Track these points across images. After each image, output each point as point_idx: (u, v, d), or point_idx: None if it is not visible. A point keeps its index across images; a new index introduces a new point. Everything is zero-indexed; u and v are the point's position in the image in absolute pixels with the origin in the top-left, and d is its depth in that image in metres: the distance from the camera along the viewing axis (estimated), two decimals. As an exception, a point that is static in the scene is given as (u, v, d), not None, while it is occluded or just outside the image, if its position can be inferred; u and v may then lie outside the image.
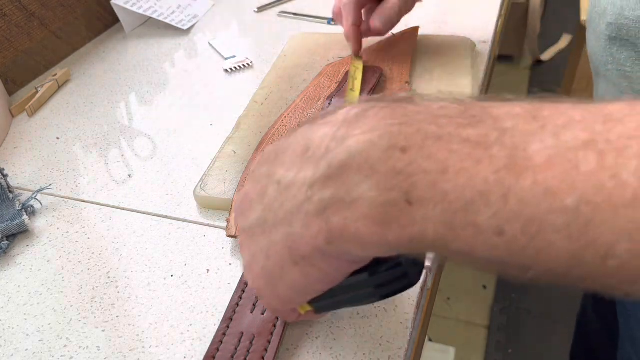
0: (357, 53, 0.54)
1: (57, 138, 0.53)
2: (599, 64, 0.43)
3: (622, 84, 0.42)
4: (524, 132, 0.18)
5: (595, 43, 0.43)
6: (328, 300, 0.26)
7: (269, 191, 0.24)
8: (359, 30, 0.53)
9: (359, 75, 0.51)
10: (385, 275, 0.25)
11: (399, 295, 0.33)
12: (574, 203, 0.17)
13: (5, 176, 0.46)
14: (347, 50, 0.59)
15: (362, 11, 0.54)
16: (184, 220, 0.42)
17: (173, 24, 0.71)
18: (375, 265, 0.25)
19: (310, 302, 0.27)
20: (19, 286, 0.38)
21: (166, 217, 0.42)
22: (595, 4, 0.42)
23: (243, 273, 0.27)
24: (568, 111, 0.19)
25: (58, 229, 0.42)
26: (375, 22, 0.52)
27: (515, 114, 0.19)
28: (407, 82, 0.51)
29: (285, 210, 0.22)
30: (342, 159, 0.20)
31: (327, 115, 0.23)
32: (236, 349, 0.31)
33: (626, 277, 0.17)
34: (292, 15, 0.72)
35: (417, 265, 0.25)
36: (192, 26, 0.72)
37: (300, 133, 0.23)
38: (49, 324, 0.35)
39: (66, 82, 0.62)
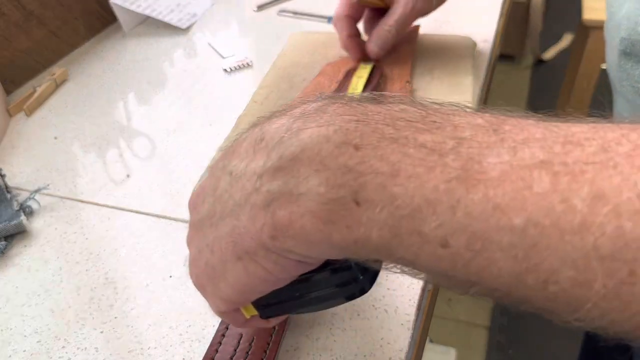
0: (359, 60, 0.53)
1: (55, 138, 0.53)
2: (615, 80, 0.42)
3: (637, 101, 0.40)
4: (482, 143, 0.18)
5: (610, 58, 0.42)
6: (273, 304, 0.25)
7: (221, 183, 0.23)
8: (357, 40, 0.53)
9: (365, 74, 0.50)
10: (331, 279, 0.24)
11: (399, 296, 0.33)
12: (521, 223, 0.16)
13: (2, 176, 0.46)
14: (347, 49, 0.59)
15: (364, 20, 0.54)
16: (183, 221, 0.41)
17: (172, 22, 0.70)
18: (324, 269, 0.23)
19: (256, 306, 0.26)
20: (16, 287, 0.38)
21: (165, 217, 0.42)
22: (611, 17, 0.41)
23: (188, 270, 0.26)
24: (530, 127, 0.18)
25: (56, 229, 0.42)
26: (372, 46, 0.51)
27: (476, 124, 0.19)
28: (407, 82, 0.51)
29: (234, 202, 0.22)
30: (294, 151, 0.19)
31: (287, 108, 0.22)
32: (235, 350, 0.30)
33: (566, 305, 0.17)
34: (292, 14, 0.72)
35: (368, 271, 0.24)
36: (191, 25, 0.72)
37: (257, 125, 0.22)
38: (47, 325, 0.35)
39: (64, 81, 0.62)
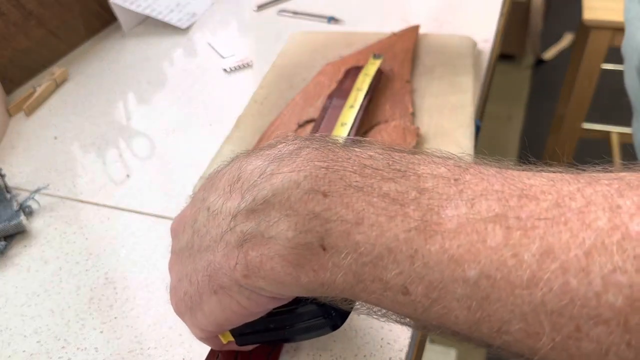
0: None
1: (55, 138, 0.53)
2: (635, 100, 0.42)
3: None
4: (442, 195, 0.19)
5: (630, 80, 0.42)
6: (249, 334, 0.26)
7: (200, 216, 0.24)
8: None
9: (372, 70, 0.49)
10: (304, 314, 0.24)
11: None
12: (475, 275, 0.17)
13: (2, 176, 0.46)
14: (347, 49, 0.58)
15: None
16: (183, 221, 0.41)
17: (172, 22, 0.70)
18: (298, 302, 0.24)
19: (233, 333, 0.26)
20: (16, 287, 0.37)
21: (165, 217, 0.42)
22: (629, 36, 0.40)
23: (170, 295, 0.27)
24: (490, 178, 0.19)
25: (56, 229, 0.42)
26: None
27: (438, 174, 0.19)
28: (407, 81, 0.51)
29: (210, 238, 0.23)
30: (266, 195, 0.20)
31: (266, 147, 0.23)
32: (236, 356, 0.30)
33: (520, 352, 0.17)
34: (292, 14, 0.72)
35: (340, 311, 0.24)
36: (191, 25, 0.72)
37: (237, 162, 0.23)
38: (47, 325, 0.34)
39: (64, 81, 0.62)
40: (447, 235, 0.18)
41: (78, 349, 0.33)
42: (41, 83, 0.60)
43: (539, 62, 2.09)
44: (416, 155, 0.21)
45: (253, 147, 0.46)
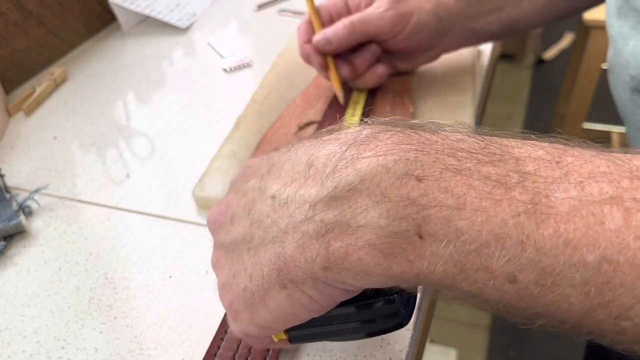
0: (323, 67, 0.47)
1: (55, 137, 0.53)
2: (626, 112, 0.42)
3: None
4: (547, 178, 0.18)
5: (619, 91, 0.42)
6: (306, 331, 0.25)
7: (259, 206, 0.22)
8: (314, 47, 0.47)
9: (362, 100, 0.48)
10: (374, 311, 0.23)
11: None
12: (595, 260, 0.16)
13: (2, 176, 0.46)
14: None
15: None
16: (183, 221, 0.41)
17: (171, 22, 0.70)
18: (364, 297, 0.23)
19: (287, 331, 0.25)
20: (16, 287, 0.37)
21: (164, 217, 0.42)
22: (617, 52, 0.40)
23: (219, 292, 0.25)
24: (593, 159, 0.18)
25: (55, 229, 0.42)
26: (319, 37, 0.47)
27: (537, 156, 0.18)
28: (407, 82, 0.51)
29: (279, 229, 0.21)
30: (351, 181, 0.19)
31: (331, 132, 0.22)
32: (238, 348, 0.30)
33: (637, 338, 0.17)
34: (292, 14, 0.72)
35: (409, 305, 0.24)
36: (191, 24, 0.72)
37: (300, 148, 0.22)
38: (47, 326, 0.34)
39: (64, 81, 0.62)
40: (560, 218, 0.17)
41: (77, 349, 0.33)
42: (41, 83, 0.60)
43: (539, 61, 2.09)
44: (508, 138, 0.20)
45: (254, 148, 0.46)
